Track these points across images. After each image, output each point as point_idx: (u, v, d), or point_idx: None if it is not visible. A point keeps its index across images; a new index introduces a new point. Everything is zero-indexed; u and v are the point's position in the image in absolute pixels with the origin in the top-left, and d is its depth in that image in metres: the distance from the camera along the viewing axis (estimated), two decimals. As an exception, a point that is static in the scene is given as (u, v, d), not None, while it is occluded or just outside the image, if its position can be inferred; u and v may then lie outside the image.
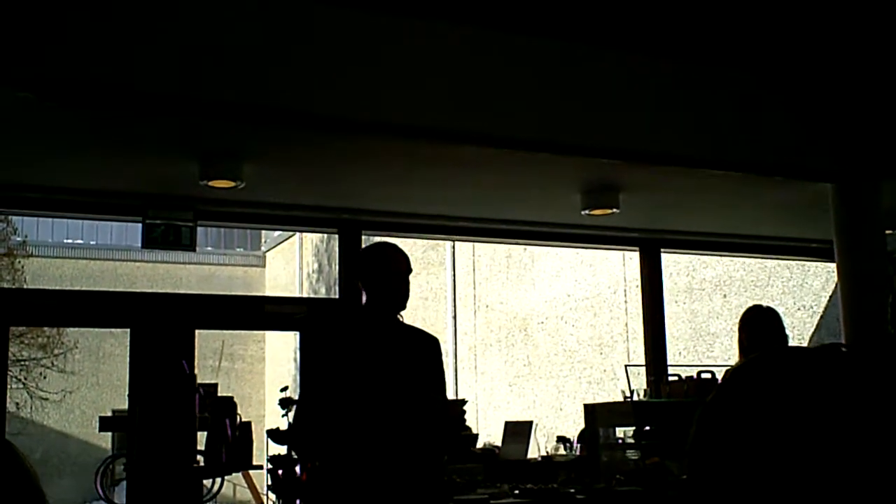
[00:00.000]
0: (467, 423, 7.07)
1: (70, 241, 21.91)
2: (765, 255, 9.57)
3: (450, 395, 14.57)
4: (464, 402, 6.71)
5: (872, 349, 5.65)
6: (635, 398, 6.94)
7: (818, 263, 9.35)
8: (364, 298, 3.89)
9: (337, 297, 7.19)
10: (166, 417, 6.81)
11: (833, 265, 6.82)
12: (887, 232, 6.82)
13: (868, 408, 1.00)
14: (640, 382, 7.48)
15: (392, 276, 3.84)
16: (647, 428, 6.72)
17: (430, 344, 3.93)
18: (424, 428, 3.76)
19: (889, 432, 0.99)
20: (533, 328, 13.78)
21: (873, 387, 1.03)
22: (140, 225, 6.77)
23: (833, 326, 8.95)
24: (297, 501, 5.53)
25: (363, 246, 6.62)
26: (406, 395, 3.77)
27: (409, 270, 3.92)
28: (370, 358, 3.77)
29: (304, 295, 19.98)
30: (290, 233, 20.95)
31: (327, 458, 3.79)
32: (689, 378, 6.84)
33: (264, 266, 23.67)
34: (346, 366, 3.73)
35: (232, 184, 6.18)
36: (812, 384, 1.02)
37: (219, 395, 7.35)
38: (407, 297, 3.91)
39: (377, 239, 5.14)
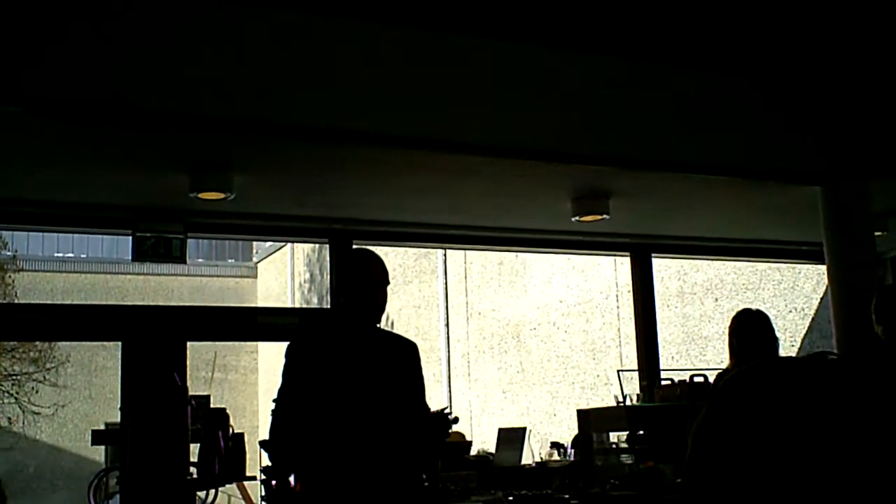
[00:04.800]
0: (459, 431, 7.06)
1: (60, 254, 21.88)
2: (755, 259, 9.60)
3: (443, 403, 14.58)
4: (444, 412, 6.63)
5: (860, 356, 5.67)
6: (628, 403, 6.94)
7: (809, 266, 9.38)
8: (341, 306, 3.85)
9: (329, 306, 7.20)
10: (159, 430, 6.79)
11: (824, 267, 6.84)
12: (876, 233, 6.85)
13: (857, 416, 1.01)
14: (633, 387, 7.47)
15: (365, 285, 3.75)
16: (641, 432, 6.71)
17: (408, 349, 3.86)
18: (405, 433, 3.73)
19: (878, 439, 0.99)
20: (525, 335, 13.78)
21: (862, 395, 1.03)
22: (130, 238, 6.76)
23: (825, 328, 8.98)
24: (292, 512, 5.51)
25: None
26: (385, 401, 3.71)
27: (385, 281, 3.80)
28: (347, 365, 3.72)
29: (297, 305, 19.97)
30: (282, 243, 20.94)
31: (306, 468, 3.74)
32: (682, 382, 6.84)
33: (256, 277, 23.65)
34: (322, 373, 3.68)
35: (222, 195, 6.17)
36: (801, 394, 1.02)
37: (211, 406, 7.34)
38: (380, 307, 3.79)
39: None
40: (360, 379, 3.70)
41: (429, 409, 3.97)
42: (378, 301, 3.78)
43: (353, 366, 3.72)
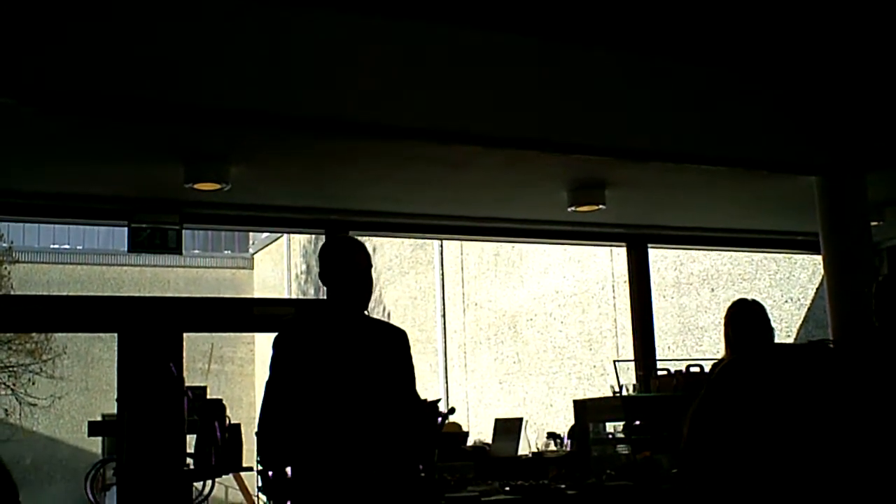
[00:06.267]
0: (456, 421, 7.06)
1: (56, 246, 21.83)
2: (752, 249, 9.61)
3: (440, 394, 14.60)
4: (435, 402, 6.61)
5: (859, 344, 5.68)
6: (625, 393, 6.96)
7: (805, 256, 9.39)
8: (327, 295, 3.84)
9: (325, 297, 7.19)
10: (155, 421, 6.79)
11: (819, 257, 6.85)
12: (872, 223, 6.85)
13: (855, 403, 1.01)
14: (629, 377, 7.49)
15: (352, 273, 3.75)
16: (637, 423, 6.73)
17: (396, 336, 3.86)
18: (395, 421, 3.72)
19: (876, 427, 1.00)
20: (522, 325, 13.79)
21: (860, 383, 1.03)
22: (126, 229, 6.75)
23: (821, 318, 8.99)
24: (288, 503, 5.51)
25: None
26: (374, 388, 3.70)
27: (369, 266, 3.80)
28: (335, 353, 3.70)
29: (293, 296, 19.96)
30: (278, 234, 20.92)
31: (295, 459, 3.73)
32: (678, 372, 6.85)
33: (252, 268, 23.62)
34: (310, 363, 3.66)
35: (218, 186, 6.16)
36: (798, 381, 1.02)
37: (208, 397, 7.33)
38: (367, 293, 3.80)
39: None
40: (349, 367, 3.69)
41: (419, 396, 3.96)
42: (365, 289, 3.78)
43: (341, 354, 3.71)
